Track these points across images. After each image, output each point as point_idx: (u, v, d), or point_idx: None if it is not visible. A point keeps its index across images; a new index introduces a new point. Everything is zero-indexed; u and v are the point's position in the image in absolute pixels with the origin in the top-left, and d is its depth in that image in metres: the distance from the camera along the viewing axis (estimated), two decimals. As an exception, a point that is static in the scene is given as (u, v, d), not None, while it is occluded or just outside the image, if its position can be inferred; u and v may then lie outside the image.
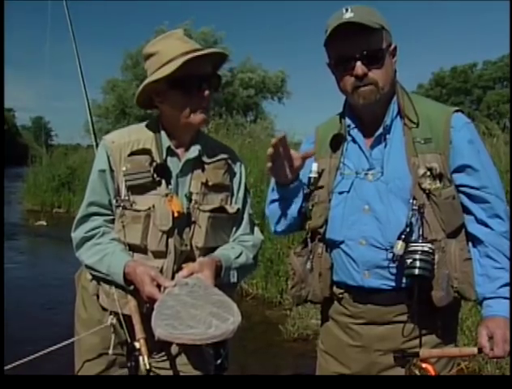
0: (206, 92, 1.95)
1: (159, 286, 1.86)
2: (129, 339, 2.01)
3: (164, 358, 2.10)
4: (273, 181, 2.05)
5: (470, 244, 1.91)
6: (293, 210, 2.05)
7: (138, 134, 2.08)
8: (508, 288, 1.84)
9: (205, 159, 2.07)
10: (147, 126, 2.12)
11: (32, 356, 1.88)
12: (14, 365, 1.82)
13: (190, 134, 2.06)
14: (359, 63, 1.81)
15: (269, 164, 1.89)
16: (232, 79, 29.43)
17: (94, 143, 2.72)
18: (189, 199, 2.03)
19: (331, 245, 2.01)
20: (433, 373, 1.82)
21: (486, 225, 1.86)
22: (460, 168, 1.86)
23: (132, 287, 1.94)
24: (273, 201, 2.09)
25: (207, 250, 2.04)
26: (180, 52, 1.92)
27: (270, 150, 1.85)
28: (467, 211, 1.89)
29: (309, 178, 1.98)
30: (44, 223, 13.56)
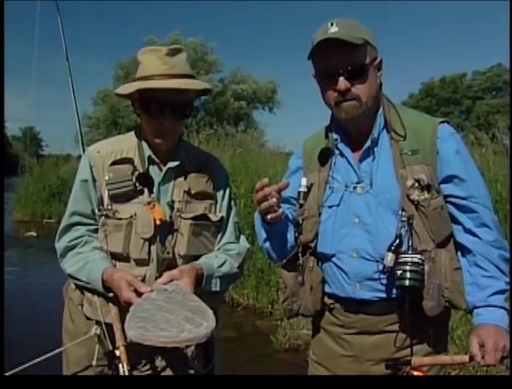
0: (166, 121, 1.95)
1: (136, 292, 1.86)
2: (111, 348, 2.01)
3: (150, 372, 2.09)
4: (259, 219, 1.98)
5: (459, 253, 1.92)
6: (290, 240, 2.05)
7: (121, 144, 2.10)
8: (498, 296, 1.85)
9: (187, 167, 2.09)
10: (130, 135, 2.14)
11: (18, 369, 1.87)
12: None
13: (169, 145, 2.06)
14: (342, 78, 1.82)
15: (272, 216, 1.81)
16: (223, 89, 29.50)
17: (82, 154, 2.73)
18: (172, 207, 2.04)
19: (322, 258, 2.01)
20: (424, 381, 1.82)
21: (474, 234, 1.87)
22: (448, 179, 1.87)
23: (112, 294, 1.95)
24: (267, 239, 2.06)
25: (190, 258, 2.04)
26: (154, 72, 1.94)
27: (265, 203, 1.78)
28: (455, 220, 1.91)
29: (299, 193, 1.97)
30: (35, 234, 13.46)
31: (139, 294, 1.84)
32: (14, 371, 1.88)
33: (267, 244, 2.08)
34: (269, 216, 1.82)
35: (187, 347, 2.04)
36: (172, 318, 1.68)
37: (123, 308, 1.92)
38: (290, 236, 2.06)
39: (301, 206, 1.99)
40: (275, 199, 1.78)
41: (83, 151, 2.70)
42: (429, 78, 49.84)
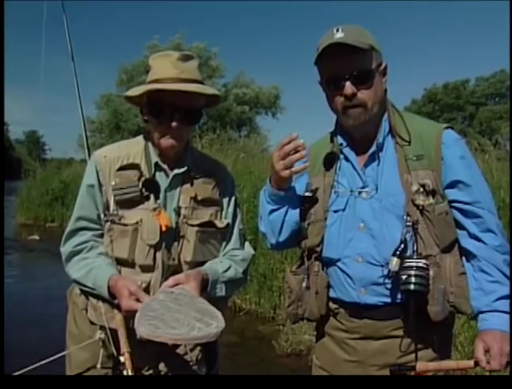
0: (174, 124, 1.95)
1: (139, 301, 1.85)
2: (115, 353, 2.00)
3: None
4: (266, 194, 2.01)
5: (464, 258, 1.92)
6: (295, 215, 2.03)
7: (128, 149, 2.09)
8: (503, 301, 1.85)
9: (194, 173, 2.08)
10: (137, 140, 2.14)
11: (21, 372, 1.87)
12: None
13: (176, 150, 2.05)
14: (348, 83, 1.83)
15: (298, 168, 1.85)
16: (226, 94, 29.50)
17: (87, 158, 2.72)
18: (178, 214, 2.04)
19: (328, 263, 2.01)
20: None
21: (479, 240, 1.88)
22: (452, 184, 1.88)
23: (117, 300, 1.94)
24: (272, 211, 2.03)
25: (196, 265, 2.04)
26: (165, 76, 1.94)
27: (297, 155, 1.82)
28: (459, 226, 1.91)
29: (304, 197, 1.97)
30: (37, 237, 13.50)
31: None
32: (15, 374, 1.87)
33: (272, 217, 2.04)
34: (294, 169, 1.83)
35: (191, 350, 2.04)
36: (182, 317, 1.69)
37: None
38: (296, 212, 2.02)
39: (306, 210, 1.99)
40: (304, 151, 1.80)
41: (89, 155, 2.68)
42: (432, 84, 49.93)
